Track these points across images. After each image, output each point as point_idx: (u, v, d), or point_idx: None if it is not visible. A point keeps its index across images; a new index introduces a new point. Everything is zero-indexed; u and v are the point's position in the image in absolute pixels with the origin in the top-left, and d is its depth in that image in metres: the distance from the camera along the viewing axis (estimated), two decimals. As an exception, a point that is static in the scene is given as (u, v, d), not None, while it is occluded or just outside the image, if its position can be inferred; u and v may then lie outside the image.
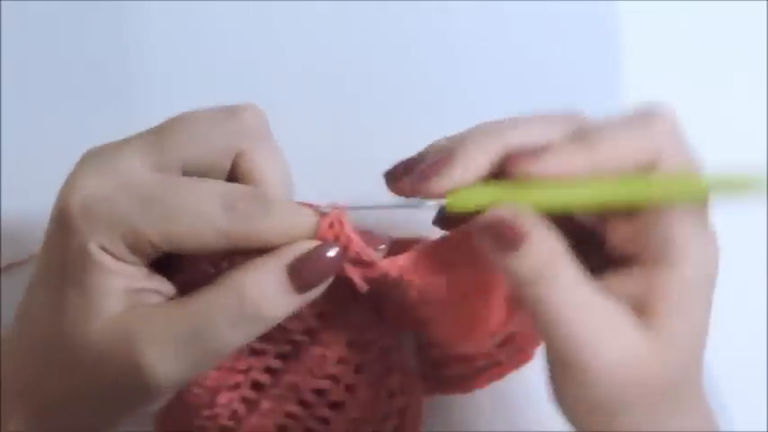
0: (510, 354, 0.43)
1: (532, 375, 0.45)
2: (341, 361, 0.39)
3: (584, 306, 0.33)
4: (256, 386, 0.39)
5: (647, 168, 0.33)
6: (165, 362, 0.32)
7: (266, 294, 0.32)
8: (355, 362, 0.39)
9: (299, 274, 0.33)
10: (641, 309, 0.33)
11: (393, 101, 0.53)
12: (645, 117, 0.34)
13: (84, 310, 0.32)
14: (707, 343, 0.36)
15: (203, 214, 0.32)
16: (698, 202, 0.34)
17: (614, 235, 0.35)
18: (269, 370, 0.39)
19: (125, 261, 0.33)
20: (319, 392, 0.39)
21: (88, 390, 0.33)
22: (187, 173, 0.34)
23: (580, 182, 0.33)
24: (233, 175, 0.35)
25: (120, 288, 0.33)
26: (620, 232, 0.35)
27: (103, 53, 0.53)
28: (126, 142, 0.34)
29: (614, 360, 0.33)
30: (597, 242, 0.36)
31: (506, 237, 0.32)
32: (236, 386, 0.39)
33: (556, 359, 0.34)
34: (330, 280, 0.34)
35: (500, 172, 0.33)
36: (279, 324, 0.34)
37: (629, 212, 0.34)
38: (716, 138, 0.53)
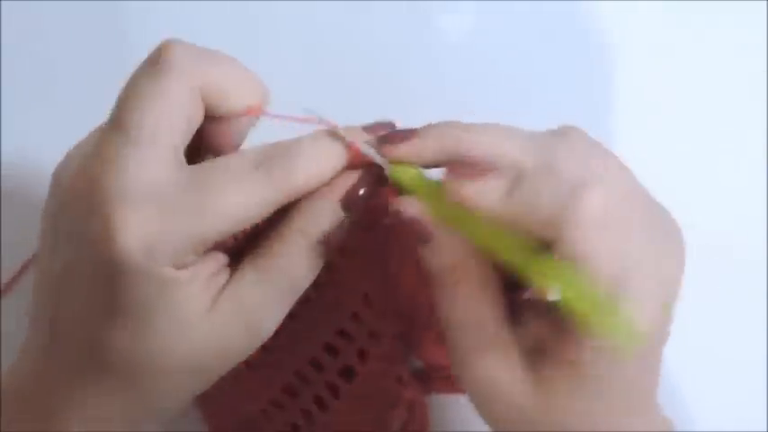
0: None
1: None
2: (355, 317, 0.39)
3: (474, 326, 0.34)
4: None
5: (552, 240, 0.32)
6: (274, 321, 0.34)
7: (326, 230, 0.34)
8: (370, 326, 0.39)
9: (351, 205, 0.34)
10: (538, 350, 0.34)
11: (393, 101, 0.53)
12: (571, 193, 0.32)
13: (179, 326, 0.32)
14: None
15: (246, 190, 0.33)
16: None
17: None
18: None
19: (196, 265, 0.33)
20: (333, 352, 0.40)
21: (200, 382, 0.34)
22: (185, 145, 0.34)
23: (491, 224, 0.33)
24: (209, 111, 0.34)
25: (200, 288, 0.33)
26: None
27: (103, 53, 0.53)
28: (111, 156, 0.32)
29: (486, 392, 0.34)
30: None
31: (415, 230, 0.34)
32: None
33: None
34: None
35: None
36: None
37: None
38: (715, 137, 0.54)
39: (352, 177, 0.35)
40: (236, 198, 0.32)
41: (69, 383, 0.33)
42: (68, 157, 0.35)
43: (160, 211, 0.31)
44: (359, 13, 0.54)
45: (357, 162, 0.35)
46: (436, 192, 0.34)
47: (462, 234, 0.34)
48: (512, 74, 0.54)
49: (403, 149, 0.35)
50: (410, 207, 0.34)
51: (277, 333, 0.37)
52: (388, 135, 0.35)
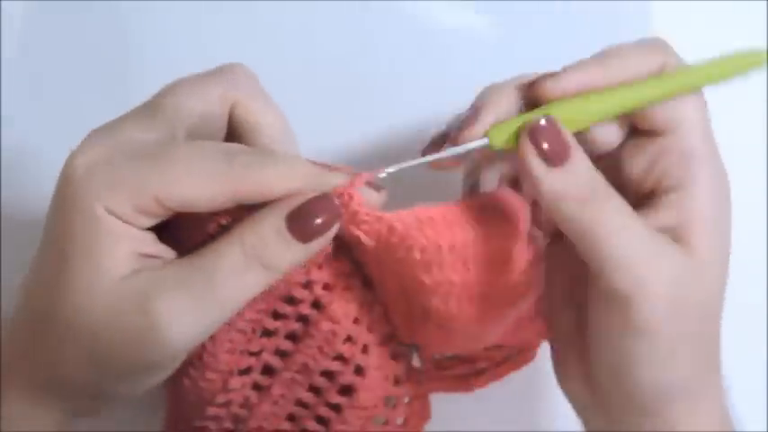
0: (510, 355, 0.43)
1: (534, 376, 0.45)
2: (349, 339, 0.38)
3: (633, 232, 0.33)
4: (268, 370, 0.39)
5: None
6: (179, 317, 0.32)
7: (267, 242, 0.33)
8: (363, 341, 0.39)
9: (298, 223, 0.33)
10: (677, 231, 0.34)
11: (393, 101, 0.53)
12: (648, 40, 0.36)
13: (90, 274, 0.32)
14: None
15: (206, 167, 0.32)
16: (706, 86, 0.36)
17: (633, 169, 0.36)
18: (280, 352, 0.39)
19: (132, 224, 0.33)
20: (330, 376, 0.39)
21: (97, 354, 0.33)
22: (189, 136, 0.35)
23: (600, 94, 0.34)
24: (231, 129, 0.36)
25: (128, 251, 0.33)
26: (637, 166, 0.36)
27: (103, 53, 0.53)
28: (124, 115, 0.35)
29: (662, 291, 0.33)
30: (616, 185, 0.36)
31: (551, 149, 0.33)
32: (249, 370, 0.39)
33: (599, 294, 0.34)
34: (332, 232, 0.34)
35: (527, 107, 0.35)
36: (288, 296, 0.36)
37: (646, 140, 0.35)
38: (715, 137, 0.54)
39: (304, 197, 0.33)
40: (186, 169, 0.32)
41: (12, 349, 0.34)
42: None
43: (113, 155, 0.32)
44: (358, 14, 0.54)
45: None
46: (540, 113, 0.34)
47: (595, 121, 0.34)
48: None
49: (485, 119, 0.35)
50: (547, 120, 0.33)
51: (271, 371, 0.38)
52: (459, 126, 0.35)
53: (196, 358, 0.38)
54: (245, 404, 0.40)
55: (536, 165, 0.33)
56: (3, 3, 0.53)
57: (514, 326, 0.39)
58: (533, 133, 0.33)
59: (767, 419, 0.50)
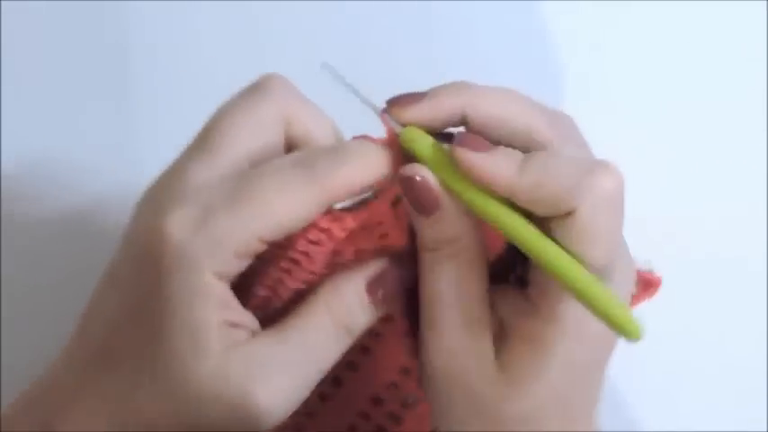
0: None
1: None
2: (403, 370, 0.39)
3: (461, 300, 0.34)
4: (335, 382, 0.40)
5: (561, 215, 0.32)
6: (279, 397, 0.32)
7: (352, 310, 0.34)
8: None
9: (377, 292, 0.34)
10: (511, 337, 0.34)
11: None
12: (588, 169, 0.32)
13: (191, 346, 0.31)
14: (577, 413, 0.35)
15: (291, 183, 0.32)
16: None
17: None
18: (350, 365, 0.39)
19: (235, 273, 0.32)
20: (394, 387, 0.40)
21: (186, 424, 0.32)
22: (252, 166, 0.34)
23: (499, 200, 0.32)
24: (287, 147, 0.35)
25: (221, 321, 0.32)
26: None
27: (103, 53, 0.53)
28: (182, 159, 0.34)
29: (454, 373, 0.34)
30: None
31: (420, 200, 0.33)
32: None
33: (419, 339, 0.35)
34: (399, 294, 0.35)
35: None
36: None
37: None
38: (715, 138, 0.54)
39: (378, 266, 0.34)
40: (276, 194, 0.32)
41: (75, 381, 0.33)
42: None
43: (203, 210, 0.31)
44: (359, 14, 0.54)
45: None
46: (446, 162, 0.33)
47: (469, 205, 0.33)
48: (508, 72, 0.54)
49: (414, 111, 0.34)
50: (421, 172, 0.33)
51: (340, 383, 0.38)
52: (397, 97, 0.34)
53: None
54: (309, 412, 0.40)
55: (410, 205, 0.33)
56: (3, 3, 0.53)
57: None
58: (404, 181, 0.33)
59: (767, 419, 0.50)
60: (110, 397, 0.33)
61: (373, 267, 0.34)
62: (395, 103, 0.34)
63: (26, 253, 0.48)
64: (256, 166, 0.33)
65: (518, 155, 0.32)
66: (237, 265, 0.32)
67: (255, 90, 0.35)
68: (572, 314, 0.33)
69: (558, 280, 0.31)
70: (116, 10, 0.53)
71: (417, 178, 0.33)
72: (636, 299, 0.39)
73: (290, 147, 0.35)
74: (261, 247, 0.32)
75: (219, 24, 0.53)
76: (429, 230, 0.33)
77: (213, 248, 0.31)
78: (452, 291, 0.34)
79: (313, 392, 0.38)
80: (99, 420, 0.33)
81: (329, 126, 0.36)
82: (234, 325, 0.32)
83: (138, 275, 0.32)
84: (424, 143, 0.34)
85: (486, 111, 0.34)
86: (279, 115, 0.34)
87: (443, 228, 0.33)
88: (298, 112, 0.35)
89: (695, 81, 0.54)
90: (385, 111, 0.34)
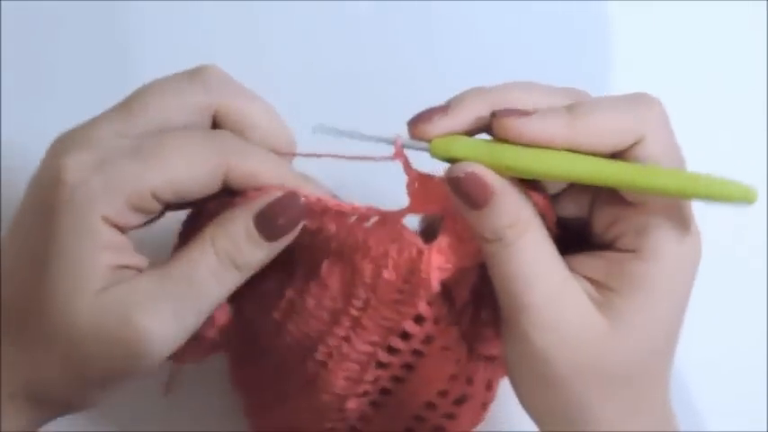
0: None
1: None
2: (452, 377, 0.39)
3: (541, 272, 0.33)
4: (385, 392, 0.40)
5: (627, 148, 0.33)
6: (162, 327, 0.33)
7: (238, 244, 0.34)
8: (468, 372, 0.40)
9: (265, 223, 0.34)
10: (608, 290, 0.33)
11: (392, 101, 0.53)
12: (635, 100, 0.34)
13: (71, 285, 0.32)
14: (675, 345, 0.35)
15: (197, 149, 0.33)
16: (681, 199, 0.33)
17: (597, 221, 0.35)
18: (396, 378, 0.40)
19: (125, 225, 0.33)
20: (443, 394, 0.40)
21: (75, 363, 0.33)
22: None
23: (563, 153, 0.32)
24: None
25: (109, 263, 0.33)
26: (602, 219, 0.35)
27: (103, 53, 0.53)
28: (98, 117, 0.34)
29: (563, 335, 0.33)
30: (583, 232, 0.36)
31: (472, 195, 0.33)
32: (365, 394, 0.40)
33: (506, 326, 0.34)
34: (297, 230, 0.35)
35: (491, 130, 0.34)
36: (402, 332, 0.37)
37: (612, 200, 0.34)
38: (715, 139, 0.54)
39: (269, 197, 0.34)
40: (176, 152, 0.33)
41: None
42: None
43: (102, 156, 0.32)
44: (359, 14, 0.54)
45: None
46: (491, 150, 0.33)
47: (535, 174, 0.32)
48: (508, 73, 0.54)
49: (443, 124, 0.34)
50: (466, 168, 0.32)
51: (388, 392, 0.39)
52: (420, 115, 0.34)
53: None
54: (363, 417, 0.41)
55: (460, 203, 0.33)
56: (3, 3, 0.53)
57: None
58: (452, 182, 0.33)
59: (767, 419, 0.50)
60: (9, 360, 0.33)
61: (260, 202, 0.34)
62: (418, 120, 0.34)
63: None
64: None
65: (560, 108, 0.32)
66: (132, 219, 0.33)
67: (189, 76, 0.35)
68: (672, 245, 0.33)
69: (663, 194, 0.31)
70: (116, 10, 0.53)
71: (462, 175, 0.32)
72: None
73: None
74: (154, 205, 0.33)
75: (219, 24, 0.53)
76: (488, 221, 0.33)
77: (105, 192, 0.32)
78: (529, 268, 0.33)
79: (362, 402, 0.39)
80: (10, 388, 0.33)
81: (263, 112, 0.36)
82: (123, 267, 0.33)
83: (35, 219, 0.33)
84: (460, 143, 0.33)
85: (511, 105, 0.33)
86: (207, 104, 0.35)
87: (502, 213, 0.33)
88: (227, 101, 0.35)
89: (695, 81, 0.54)
90: (399, 138, 0.34)
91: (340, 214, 0.36)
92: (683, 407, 0.41)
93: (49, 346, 0.33)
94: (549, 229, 0.34)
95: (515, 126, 0.32)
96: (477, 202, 0.32)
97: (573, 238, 0.35)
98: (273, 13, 0.54)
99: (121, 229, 0.33)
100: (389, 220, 0.35)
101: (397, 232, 0.35)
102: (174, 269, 0.33)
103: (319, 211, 0.36)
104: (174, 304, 0.33)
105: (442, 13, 0.54)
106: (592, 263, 0.34)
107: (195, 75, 0.35)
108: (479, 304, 0.39)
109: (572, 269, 0.34)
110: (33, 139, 0.51)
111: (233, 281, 0.34)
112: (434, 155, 0.34)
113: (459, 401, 0.40)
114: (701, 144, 0.53)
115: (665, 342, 0.35)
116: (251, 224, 0.34)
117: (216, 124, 0.36)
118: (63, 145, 0.34)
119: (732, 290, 0.51)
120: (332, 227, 0.36)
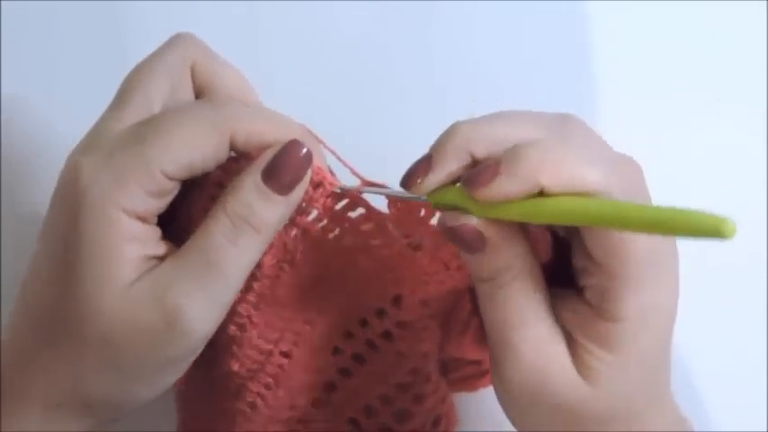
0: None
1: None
2: (413, 371, 0.40)
3: (531, 317, 0.34)
4: (345, 372, 0.41)
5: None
6: (195, 305, 0.33)
7: (250, 204, 0.34)
8: (426, 373, 0.41)
9: (274, 176, 0.34)
10: (578, 344, 0.34)
11: (391, 102, 0.53)
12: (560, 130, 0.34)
13: (100, 281, 0.32)
14: (661, 378, 0.36)
15: (198, 120, 0.33)
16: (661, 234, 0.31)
17: (576, 259, 0.35)
18: (358, 357, 0.40)
19: (148, 213, 0.33)
20: (386, 401, 0.42)
21: (115, 360, 0.33)
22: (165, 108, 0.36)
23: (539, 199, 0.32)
24: (196, 95, 0.37)
25: (136, 255, 0.33)
26: (578, 261, 0.34)
27: (103, 53, 0.53)
28: (102, 114, 0.35)
29: (546, 384, 0.33)
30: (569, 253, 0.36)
31: (467, 242, 0.33)
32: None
33: (493, 362, 0.35)
34: (308, 177, 0.35)
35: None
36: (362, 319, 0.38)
37: (583, 252, 0.34)
38: (715, 140, 0.54)
39: (272, 151, 0.34)
40: (176, 127, 0.33)
41: (23, 350, 0.34)
42: None
43: (109, 151, 0.33)
44: (358, 14, 0.54)
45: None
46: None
47: (519, 219, 0.33)
48: (505, 74, 0.54)
49: (430, 181, 0.34)
50: (459, 219, 0.33)
51: (334, 388, 0.39)
52: (407, 175, 0.34)
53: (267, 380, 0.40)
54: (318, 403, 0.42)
55: (456, 247, 0.34)
56: (3, 2, 0.53)
57: None
58: (447, 231, 0.33)
59: (767, 419, 0.50)
60: (56, 370, 0.34)
61: (265, 157, 0.34)
62: (408, 181, 0.34)
63: (26, 253, 0.48)
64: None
65: (525, 158, 0.32)
66: (152, 203, 0.33)
67: (163, 45, 0.37)
68: (633, 306, 0.33)
69: (632, 229, 0.30)
70: (116, 10, 0.53)
71: (457, 224, 0.33)
72: None
73: (197, 95, 0.37)
74: (168, 185, 0.33)
75: (220, 24, 0.53)
76: (483, 265, 0.34)
77: (117, 185, 0.32)
78: (518, 314, 0.34)
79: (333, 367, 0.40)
80: (41, 397, 0.34)
81: (234, 77, 0.37)
82: (151, 258, 0.33)
83: (60, 223, 0.34)
84: (450, 194, 0.34)
85: (486, 146, 0.33)
86: (182, 59, 0.36)
87: (496, 258, 0.33)
88: (202, 59, 0.37)
89: (695, 81, 0.54)
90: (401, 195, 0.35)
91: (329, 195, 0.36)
92: (683, 407, 0.41)
93: (85, 347, 0.33)
94: (542, 253, 0.35)
95: (483, 194, 0.32)
96: (472, 249, 0.33)
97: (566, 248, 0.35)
98: (273, 13, 0.54)
99: (145, 219, 0.33)
100: (375, 217, 0.36)
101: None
102: (193, 244, 0.34)
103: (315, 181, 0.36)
104: (199, 280, 0.33)
105: (443, 13, 0.54)
106: (565, 315, 0.34)
107: (167, 43, 0.37)
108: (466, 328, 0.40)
109: (553, 310, 0.35)
110: (33, 138, 0.51)
111: (252, 245, 0.34)
112: (435, 207, 0.35)
113: (400, 416, 0.41)
114: (701, 144, 0.54)
115: (641, 396, 0.35)
116: (260, 181, 0.34)
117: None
118: (77, 149, 0.34)
119: (732, 290, 0.51)
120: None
